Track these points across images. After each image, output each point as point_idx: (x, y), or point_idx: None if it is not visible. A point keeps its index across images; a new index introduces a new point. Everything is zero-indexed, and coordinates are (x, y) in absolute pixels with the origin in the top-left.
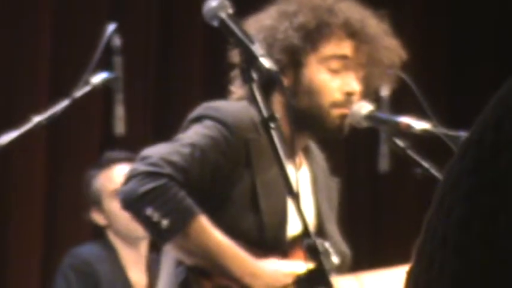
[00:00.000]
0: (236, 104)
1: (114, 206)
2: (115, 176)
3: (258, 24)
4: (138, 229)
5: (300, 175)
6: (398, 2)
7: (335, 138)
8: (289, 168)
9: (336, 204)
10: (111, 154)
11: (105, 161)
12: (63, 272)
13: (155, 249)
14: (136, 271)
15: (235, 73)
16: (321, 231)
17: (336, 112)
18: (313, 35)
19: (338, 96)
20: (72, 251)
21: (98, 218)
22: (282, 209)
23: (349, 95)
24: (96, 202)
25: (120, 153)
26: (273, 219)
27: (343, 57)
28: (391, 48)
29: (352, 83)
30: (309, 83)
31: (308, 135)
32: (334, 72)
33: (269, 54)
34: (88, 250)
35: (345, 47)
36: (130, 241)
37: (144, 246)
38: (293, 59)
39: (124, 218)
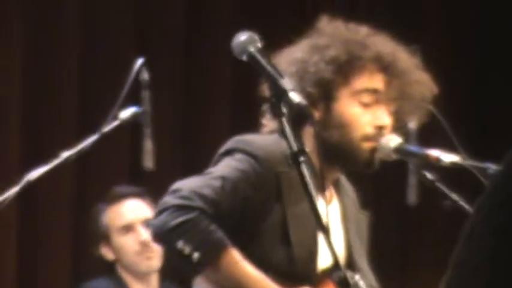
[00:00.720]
0: (267, 137)
1: (123, 242)
2: (124, 212)
3: (289, 57)
4: (146, 264)
5: (330, 208)
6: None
7: (366, 171)
8: (320, 201)
9: (366, 237)
10: (120, 189)
11: (114, 196)
12: None
13: (168, 278)
14: None
15: (266, 106)
16: (351, 263)
17: (367, 146)
18: (345, 68)
19: (369, 130)
20: (82, 286)
21: (106, 253)
22: (313, 242)
23: (380, 128)
24: (104, 237)
25: (129, 188)
26: (303, 252)
27: (375, 91)
28: (422, 83)
29: (383, 116)
30: (340, 117)
31: (339, 169)
32: (366, 105)
33: (301, 87)
34: (99, 285)
35: (377, 81)
36: (140, 276)
37: (154, 279)
38: (324, 92)
39: (132, 253)
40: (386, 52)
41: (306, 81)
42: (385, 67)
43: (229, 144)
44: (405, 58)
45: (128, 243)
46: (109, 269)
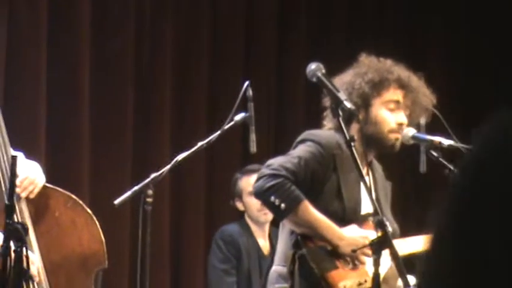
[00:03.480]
0: (326, 131)
1: (250, 201)
2: (252, 182)
3: (341, 80)
4: (263, 218)
5: (367, 178)
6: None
7: (391, 152)
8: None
9: (390, 197)
10: (251, 166)
11: (247, 170)
12: (215, 241)
13: (274, 225)
14: (262, 240)
15: (326, 113)
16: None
17: (392, 136)
18: (378, 86)
19: (393, 125)
20: (221, 228)
21: (239, 205)
22: (357, 198)
23: (400, 125)
24: (239, 195)
25: (256, 166)
26: (351, 204)
27: (397, 101)
28: (426, 95)
29: (402, 117)
30: (375, 117)
31: (373, 152)
32: (391, 110)
33: (349, 99)
34: (231, 227)
35: (398, 94)
36: (259, 224)
37: (267, 226)
38: (364, 102)
39: (255, 210)
40: (404, 75)
41: (353, 95)
42: (403, 85)
43: (302, 135)
44: (415, 79)
45: (253, 203)
46: (240, 216)
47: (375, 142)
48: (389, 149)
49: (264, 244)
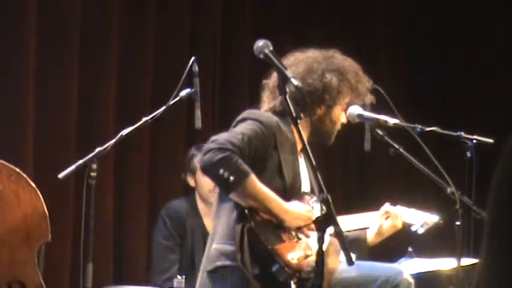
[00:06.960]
0: (265, 113)
1: (203, 180)
2: None
3: (307, 66)
4: (213, 198)
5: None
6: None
7: (327, 144)
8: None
9: None
10: None
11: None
12: (161, 217)
13: None
14: (208, 219)
15: (264, 94)
16: (312, 191)
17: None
18: (354, 91)
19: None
20: (168, 204)
21: (191, 181)
22: (297, 176)
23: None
24: (192, 171)
25: None
26: (291, 182)
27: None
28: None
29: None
30: (335, 117)
31: (309, 139)
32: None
33: (313, 90)
34: (178, 203)
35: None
36: (207, 203)
37: (214, 205)
38: (333, 100)
39: (206, 190)
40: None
41: (321, 91)
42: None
43: (243, 114)
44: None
45: (206, 182)
46: (185, 190)
47: (321, 136)
48: (330, 142)
49: (208, 223)
